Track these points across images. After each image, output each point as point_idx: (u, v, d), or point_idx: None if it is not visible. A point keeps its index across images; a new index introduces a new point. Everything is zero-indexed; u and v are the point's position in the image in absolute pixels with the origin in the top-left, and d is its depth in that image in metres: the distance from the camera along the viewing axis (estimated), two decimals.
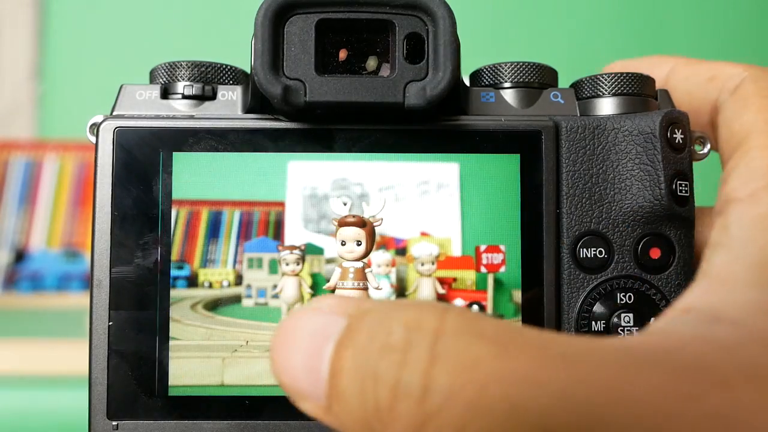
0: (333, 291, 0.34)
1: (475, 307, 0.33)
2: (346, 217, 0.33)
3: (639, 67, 0.34)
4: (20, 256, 1.04)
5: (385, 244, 0.34)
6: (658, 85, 0.33)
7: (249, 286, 0.33)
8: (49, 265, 1.02)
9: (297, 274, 0.34)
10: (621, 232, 0.31)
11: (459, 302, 0.34)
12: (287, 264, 0.33)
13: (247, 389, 0.31)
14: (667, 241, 0.31)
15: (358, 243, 0.33)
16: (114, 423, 0.30)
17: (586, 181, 0.31)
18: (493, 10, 1.20)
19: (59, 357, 0.66)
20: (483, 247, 0.32)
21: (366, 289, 0.34)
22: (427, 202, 0.33)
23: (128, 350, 0.30)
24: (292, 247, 0.33)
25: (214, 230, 0.33)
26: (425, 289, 0.34)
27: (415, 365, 0.18)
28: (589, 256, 0.31)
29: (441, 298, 0.33)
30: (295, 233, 0.34)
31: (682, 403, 0.17)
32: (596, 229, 0.31)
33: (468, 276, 0.33)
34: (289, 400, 0.30)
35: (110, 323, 0.30)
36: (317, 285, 0.34)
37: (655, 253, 0.31)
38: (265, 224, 0.33)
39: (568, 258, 0.31)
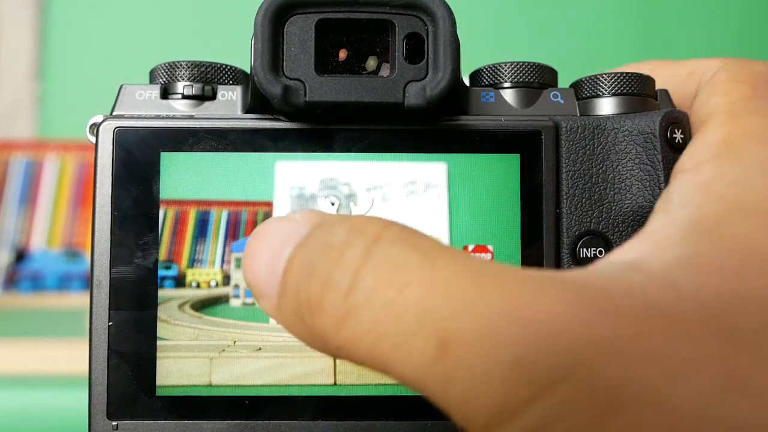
0: None
1: None
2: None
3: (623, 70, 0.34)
4: (21, 256, 1.04)
5: None
6: None
7: (237, 286, 0.32)
8: (49, 265, 1.03)
9: None
10: (621, 232, 0.31)
11: None
12: None
13: (236, 389, 0.31)
14: None
15: None
16: (114, 423, 0.30)
17: (586, 181, 0.31)
18: (493, 10, 1.20)
19: (59, 357, 0.66)
20: (471, 247, 0.32)
21: None
22: (415, 202, 0.33)
23: (128, 350, 0.30)
24: None
25: (201, 230, 0.32)
26: None
27: (348, 263, 0.20)
28: (589, 256, 0.31)
29: None
30: None
31: (567, 324, 0.18)
32: (596, 229, 0.31)
33: None
34: (289, 400, 0.30)
35: (110, 323, 0.30)
36: None
37: None
38: (252, 224, 0.33)
39: (568, 258, 0.31)
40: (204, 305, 0.32)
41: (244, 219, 0.33)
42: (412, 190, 0.33)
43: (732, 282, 0.19)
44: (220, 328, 0.32)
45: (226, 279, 0.32)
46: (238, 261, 0.33)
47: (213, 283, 0.32)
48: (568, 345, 0.17)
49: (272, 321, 0.32)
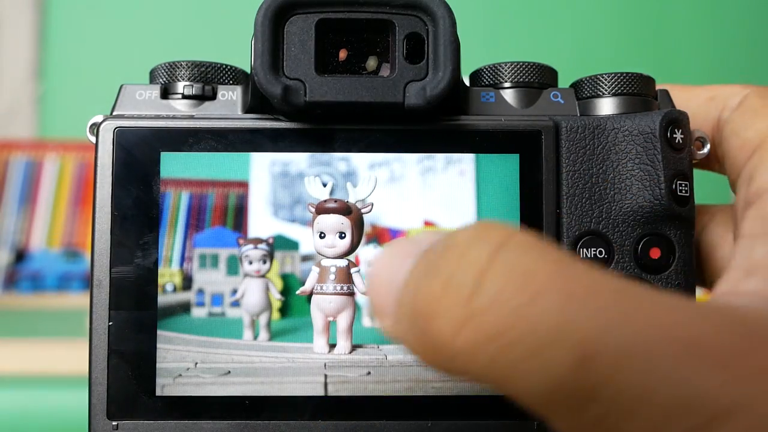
0: (309, 297, 0.29)
1: None
2: (326, 201, 0.29)
3: None
4: (20, 256, 1.04)
5: (378, 236, 0.29)
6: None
7: (201, 291, 0.30)
8: (49, 265, 1.02)
9: (263, 276, 0.29)
10: (621, 232, 0.31)
11: None
12: (250, 262, 0.29)
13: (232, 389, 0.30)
14: (667, 241, 0.31)
15: (342, 235, 0.29)
16: (114, 423, 0.30)
17: (586, 181, 0.31)
18: (493, 10, 1.20)
19: (59, 357, 0.66)
20: None
21: (351, 293, 0.30)
22: (432, 182, 0.30)
23: (128, 350, 0.30)
24: (257, 241, 0.29)
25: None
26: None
27: (473, 263, 0.18)
28: (589, 256, 0.31)
29: None
30: (261, 222, 0.29)
31: (736, 353, 0.16)
32: (596, 229, 0.31)
33: None
34: (289, 400, 0.30)
35: (110, 323, 0.30)
36: (289, 289, 0.30)
37: (655, 253, 0.31)
38: (221, 210, 0.29)
39: None
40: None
41: (211, 203, 0.30)
42: (428, 167, 0.31)
43: None
44: (177, 347, 0.29)
45: (187, 281, 0.30)
46: (203, 258, 0.29)
47: (170, 287, 0.29)
48: (740, 374, 0.16)
49: (246, 337, 0.30)
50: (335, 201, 0.29)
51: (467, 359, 0.18)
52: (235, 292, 0.30)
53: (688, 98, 0.33)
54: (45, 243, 1.06)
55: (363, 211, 0.30)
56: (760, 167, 0.27)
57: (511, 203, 0.31)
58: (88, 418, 0.30)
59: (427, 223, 0.30)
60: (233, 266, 0.29)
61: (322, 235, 0.29)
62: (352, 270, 0.29)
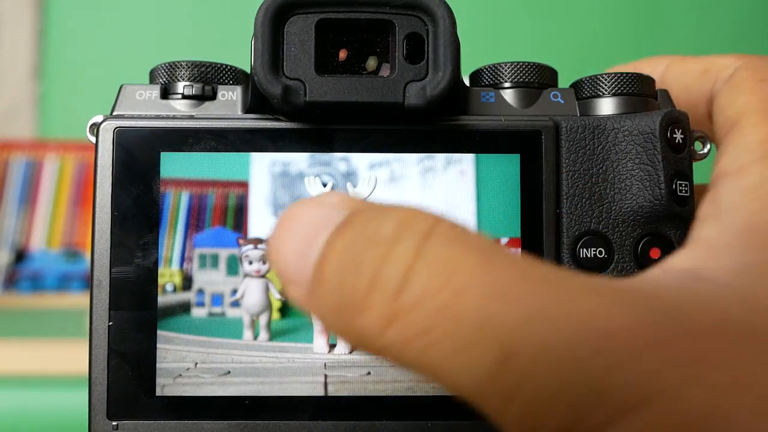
0: None
1: None
2: None
3: (636, 68, 0.34)
4: (20, 256, 1.04)
5: None
6: (656, 85, 0.33)
7: (201, 291, 0.30)
8: (49, 265, 1.02)
9: (263, 276, 0.29)
10: (621, 232, 0.31)
11: None
12: (250, 262, 0.29)
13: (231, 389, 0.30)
14: (667, 241, 0.31)
15: None
16: (114, 423, 0.30)
17: (586, 181, 0.31)
18: (493, 10, 1.20)
19: (59, 357, 0.66)
20: (504, 241, 0.30)
21: None
22: (433, 182, 0.30)
23: (128, 350, 0.30)
24: (257, 241, 0.29)
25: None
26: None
27: (398, 261, 0.18)
28: (589, 256, 0.31)
29: None
30: (261, 222, 0.29)
31: (649, 344, 0.16)
32: (596, 229, 0.31)
33: None
34: (289, 400, 0.30)
35: (110, 323, 0.30)
36: None
37: (655, 253, 0.31)
38: (221, 210, 0.29)
39: (568, 258, 0.31)
40: (158, 316, 0.29)
41: (211, 203, 0.30)
42: (429, 167, 0.30)
43: None
44: (178, 347, 0.29)
45: (187, 282, 0.30)
46: (203, 258, 0.29)
47: (170, 287, 0.30)
48: (651, 367, 0.16)
49: (246, 337, 0.30)
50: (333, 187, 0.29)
51: (395, 352, 0.18)
52: (235, 292, 0.29)
53: (684, 71, 0.32)
54: (45, 243, 1.06)
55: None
56: (724, 150, 0.26)
57: (512, 203, 0.31)
58: (88, 418, 0.30)
59: None
60: (233, 266, 0.29)
61: None
62: None
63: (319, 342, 0.30)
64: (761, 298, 0.18)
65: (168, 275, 0.29)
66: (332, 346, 0.30)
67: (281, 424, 0.30)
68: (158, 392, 0.30)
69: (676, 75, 0.32)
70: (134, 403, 0.30)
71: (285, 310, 0.31)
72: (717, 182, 0.24)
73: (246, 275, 0.29)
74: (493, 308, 0.17)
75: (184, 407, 0.30)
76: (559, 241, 0.31)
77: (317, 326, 0.30)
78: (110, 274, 0.30)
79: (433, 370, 0.18)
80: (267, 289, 0.29)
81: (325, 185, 0.30)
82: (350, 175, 0.30)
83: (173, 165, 0.30)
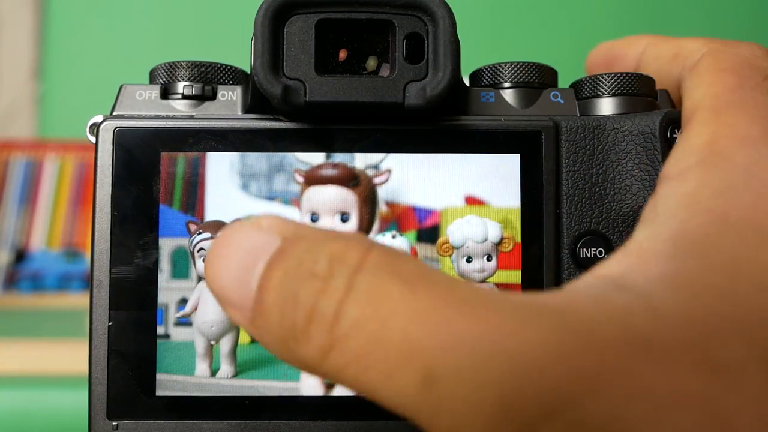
0: None
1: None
2: (320, 166, 0.23)
3: (617, 47, 0.33)
4: (20, 256, 1.04)
5: (398, 219, 0.23)
6: (632, 61, 0.33)
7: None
8: (49, 265, 1.02)
9: None
10: (621, 232, 0.31)
11: None
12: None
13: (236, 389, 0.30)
14: None
15: (344, 217, 0.23)
16: (114, 423, 0.30)
17: (586, 181, 0.31)
18: (493, 10, 1.20)
19: (59, 357, 0.66)
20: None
21: None
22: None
23: (128, 350, 0.30)
24: (218, 226, 0.23)
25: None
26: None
27: (332, 294, 0.19)
28: (589, 256, 0.31)
29: None
30: (224, 200, 0.23)
31: (554, 359, 0.17)
32: (596, 229, 0.31)
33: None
34: (288, 400, 0.30)
35: (110, 323, 0.30)
36: None
37: None
38: (167, 183, 0.24)
39: (568, 258, 0.31)
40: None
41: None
42: None
43: (716, 305, 0.19)
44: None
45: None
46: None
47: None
48: (554, 381, 0.17)
49: (200, 371, 0.28)
50: (334, 166, 0.24)
51: (335, 377, 0.20)
52: (183, 303, 0.24)
53: (657, 54, 0.32)
54: (45, 243, 1.06)
55: (376, 181, 0.25)
56: (674, 149, 0.25)
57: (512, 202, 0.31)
58: (88, 418, 0.30)
59: (471, 201, 0.24)
60: (182, 264, 0.24)
61: (315, 216, 0.23)
62: None
63: (310, 380, 0.26)
64: (668, 308, 0.18)
65: None
66: (330, 386, 0.27)
67: (281, 424, 0.30)
68: (158, 392, 0.30)
69: (651, 58, 0.32)
70: (134, 403, 0.30)
71: None
72: (659, 185, 0.24)
73: (201, 278, 0.23)
74: (414, 333, 0.18)
75: (184, 407, 0.30)
76: (559, 241, 0.31)
77: None
78: (110, 274, 0.30)
79: (369, 392, 0.19)
80: None
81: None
82: None
83: (173, 165, 0.30)
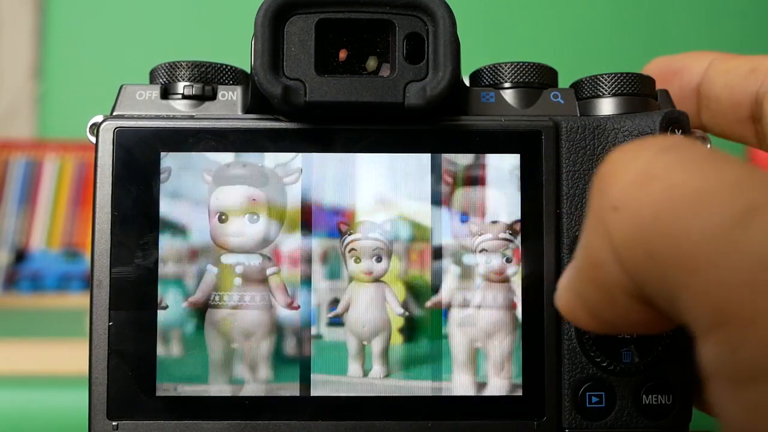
0: (204, 312, 0.22)
1: None
2: (229, 165, 0.22)
3: (678, 61, 0.33)
4: (20, 256, 1.04)
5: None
6: (695, 77, 0.33)
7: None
8: (49, 265, 1.02)
9: (379, 279, 0.22)
10: None
11: None
12: (358, 260, 0.22)
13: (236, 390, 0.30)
14: None
15: (253, 217, 0.23)
16: (114, 423, 0.30)
17: (586, 181, 0.31)
18: (493, 10, 1.20)
19: (59, 357, 0.66)
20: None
21: (267, 307, 0.23)
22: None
23: (128, 350, 0.30)
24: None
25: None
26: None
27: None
28: None
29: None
30: (380, 196, 0.24)
31: None
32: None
33: None
34: (289, 400, 0.30)
35: (110, 323, 0.30)
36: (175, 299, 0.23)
37: None
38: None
39: (568, 258, 0.31)
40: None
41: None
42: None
43: None
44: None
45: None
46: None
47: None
48: None
49: (352, 371, 0.27)
50: (243, 165, 0.24)
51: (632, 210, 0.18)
52: (336, 304, 0.23)
53: (728, 69, 0.32)
54: (45, 243, 1.06)
55: (285, 180, 0.26)
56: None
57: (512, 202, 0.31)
58: (88, 418, 0.30)
59: (382, 201, 0.24)
60: (333, 265, 0.23)
61: (223, 217, 0.23)
62: (269, 272, 0.22)
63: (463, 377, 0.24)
64: None
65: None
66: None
67: (281, 424, 0.30)
68: (158, 392, 0.30)
69: (721, 72, 0.32)
70: (134, 403, 0.30)
71: (411, 329, 0.24)
72: None
73: (352, 279, 0.23)
74: (736, 174, 0.17)
75: (184, 407, 0.30)
76: (559, 241, 0.31)
77: (352, 350, 0.24)
78: (110, 274, 0.30)
79: (669, 224, 0.17)
80: (384, 300, 0.22)
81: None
82: None
83: (173, 165, 0.30)
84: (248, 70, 0.31)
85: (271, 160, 0.23)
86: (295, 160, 0.23)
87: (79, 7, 1.19)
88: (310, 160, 0.25)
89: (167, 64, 0.32)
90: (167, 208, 0.23)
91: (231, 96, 0.32)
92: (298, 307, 0.21)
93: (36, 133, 1.17)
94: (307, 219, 0.24)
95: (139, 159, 0.31)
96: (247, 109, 0.32)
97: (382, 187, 0.27)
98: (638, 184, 0.19)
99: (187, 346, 0.25)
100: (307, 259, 0.21)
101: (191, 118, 0.31)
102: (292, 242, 0.22)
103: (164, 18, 1.19)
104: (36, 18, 1.18)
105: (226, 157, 0.24)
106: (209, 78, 0.32)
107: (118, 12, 1.18)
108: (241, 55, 0.34)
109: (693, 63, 0.33)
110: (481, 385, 0.26)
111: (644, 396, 0.29)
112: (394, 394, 0.30)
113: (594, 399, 0.30)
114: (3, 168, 1.09)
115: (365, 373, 0.25)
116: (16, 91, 1.17)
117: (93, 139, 0.31)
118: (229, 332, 0.24)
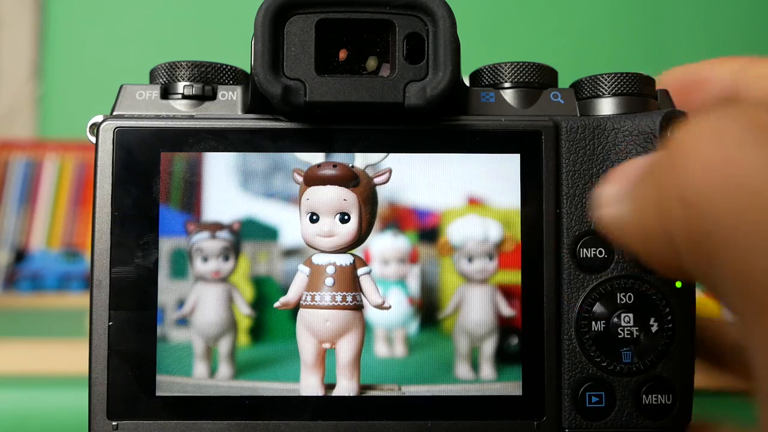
0: (295, 312, 0.21)
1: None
2: (320, 166, 0.21)
3: (698, 70, 0.33)
4: (20, 256, 1.04)
5: (398, 219, 0.22)
6: (723, 85, 0.33)
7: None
8: (49, 265, 1.02)
9: (225, 279, 0.21)
10: None
11: None
12: (205, 259, 0.22)
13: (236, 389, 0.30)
14: None
15: (344, 217, 0.21)
16: (114, 423, 0.30)
17: (586, 181, 0.31)
18: (493, 10, 1.20)
19: (59, 357, 0.66)
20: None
21: (358, 307, 0.22)
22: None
23: (128, 350, 0.30)
24: (216, 227, 0.21)
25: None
26: (475, 306, 0.22)
27: None
28: (589, 256, 0.31)
29: (506, 326, 0.21)
30: (223, 199, 0.22)
31: None
32: (596, 229, 0.31)
33: None
34: (289, 400, 0.30)
35: (110, 323, 0.30)
36: (264, 300, 0.21)
37: None
38: (166, 182, 0.23)
39: (568, 258, 0.31)
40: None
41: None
42: None
43: None
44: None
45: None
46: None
47: None
48: None
49: (198, 373, 0.27)
50: (334, 166, 0.23)
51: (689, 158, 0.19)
52: (181, 305, 0.23)
53: (760, 75, 0.32)
54: (45, 243, 1.06)
55: (376, 180, 0.24)
56: None
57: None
58: (88, 418, 0.30)
59: (472, 201, 0.23)
60: (180, 265, 0.22)
61: (315, 217, 0.22)
62: (360, 272, 0.22)
63: (310, 380, 0.23)
64: None
65: None
66: (329, 387, 0.26)
67: (281, 424, 0.30)
68: (158, 392, 0.30)
69: (754, 77, 0.32)
70: (134, 403, 0.30)
71: (258, 329, 0.23)
72: None
73: (198, 278, 0.22)
74: None
75: (184, 407, 0.30)
76: (559, 241, 0.31)
77: (306, 356, 0.23)
78: (110, 274, 0.30)
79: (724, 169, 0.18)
80: (230, 300, 0.21)
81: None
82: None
83: (173, 165, 0.30)
84: (248, 70, 0.31)
85: (360, 160, 0.21)
86: (386, 160, 0.22)
87: (79, 7, 1.19)
88: (399, 159, 0.23)
89: (167, 64, 0.32)
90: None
91: (231, 96, 0.32)
92: (388, 306, 0.20)
93: (36, 133, 1.17)
94: (399, 219, 0.23)
95: (139, 159, 0.31)
96: (247, 109, 0.32)
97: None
98: (717, 169, 0.19)
99: (277, 345, 0.24)
100: (400, 259, 0.20)
101: (191, 118, 0.31)
102: (384, 242, 0.20)
103: (164, 18, 1.19)
104: (36, 18, 1.18)
105: (317, 157, 0.22)
106: (209, 78, 0.32)
107: (118, 12, 1.18)
108: (241, 55, 0.34)
109: (717, 71, 0.33)
110: (329, 387, 0.25)
111: (644, 396, 0.29)
112: (393, 395, 0.30)
113: (594, 399, 0.30)
114: (3, 168, 1.09)
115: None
116: (16, 91, 1.17)
117: (93, 139, 0.31)
118: (320, 333, 0.23)
